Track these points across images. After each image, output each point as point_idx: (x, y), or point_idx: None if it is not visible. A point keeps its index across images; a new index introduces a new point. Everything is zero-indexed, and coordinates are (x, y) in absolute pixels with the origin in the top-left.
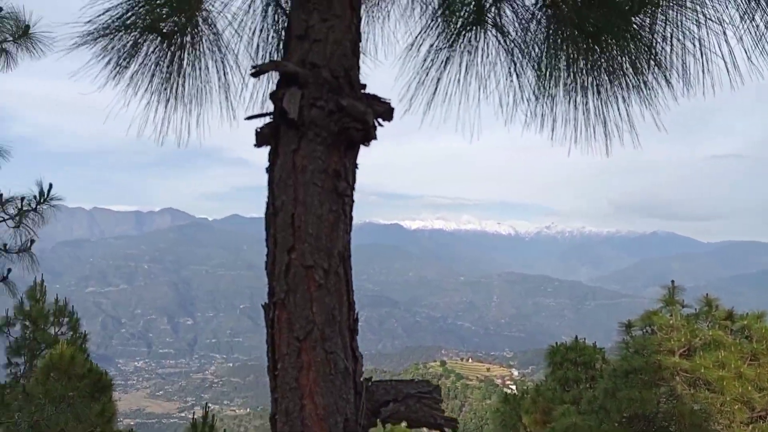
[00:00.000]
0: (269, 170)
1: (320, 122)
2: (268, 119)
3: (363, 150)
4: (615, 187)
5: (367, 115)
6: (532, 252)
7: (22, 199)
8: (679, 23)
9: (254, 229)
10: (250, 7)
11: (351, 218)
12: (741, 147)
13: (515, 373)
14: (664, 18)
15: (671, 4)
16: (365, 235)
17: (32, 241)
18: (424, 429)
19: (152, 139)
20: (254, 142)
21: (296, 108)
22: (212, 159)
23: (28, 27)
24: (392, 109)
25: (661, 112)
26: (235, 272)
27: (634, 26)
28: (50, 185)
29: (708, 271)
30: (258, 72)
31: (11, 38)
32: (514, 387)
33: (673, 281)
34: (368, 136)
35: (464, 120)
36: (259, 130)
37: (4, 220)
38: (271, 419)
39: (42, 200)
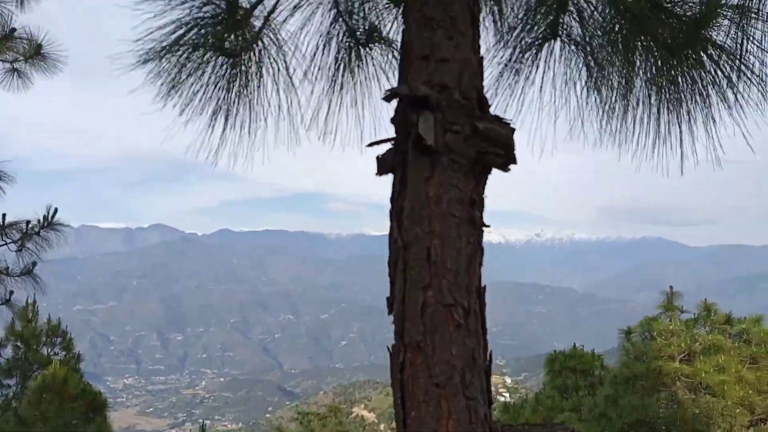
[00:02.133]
0: (394, 200)
1: (457, 148)
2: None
3: (350, 161)
4: (602, 193)
5: (509, 139)
6: (523, 260)
7: (27, 223)
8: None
9: (243, 243)
10: (322, 47)
11: (483, 251)
12: (732, 151)
13: (508, 380)
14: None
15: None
16: (357, 247)
17: (34, 264)
18: None
19: (207, 161)
20: (375, 171)
21: (433, 134)
22: (199, 174)
23: (40, 46)
24: (514, 130)
25: (749, 125)
26: (225, 286)
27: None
28: (56, 210)
29: (699, 275)
30: (391, 96)
31: (22, 58)
32: (507, 395)
33: (671, 287)
34: (509, 161)
35: (535, 135)
36: (381, 157)
37: (6, 243)
38: None
39: (46, 224)
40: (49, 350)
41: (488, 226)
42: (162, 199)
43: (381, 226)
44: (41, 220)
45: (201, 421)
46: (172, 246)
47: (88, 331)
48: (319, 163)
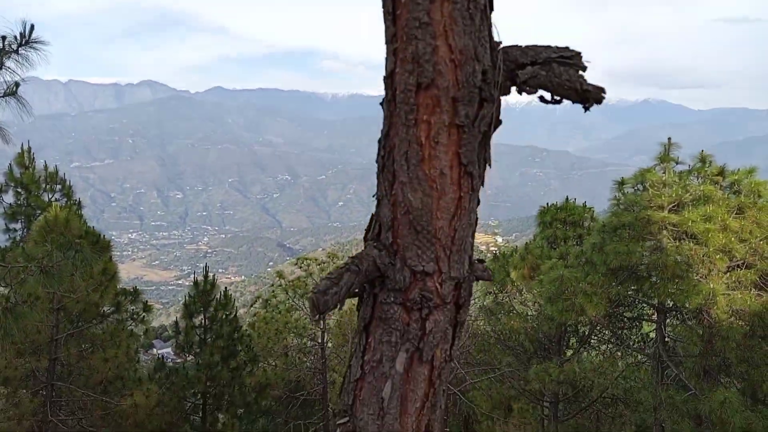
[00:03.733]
0: None
1: None
2: None
3: (347, 17)
4: (610, 55)
5: None
6: (522, 123)
7: (3, 38)
8: None
9: (238, 102)
10: None
11: None
12: (744, 9)
13: (499, 240)
14: None
15: None
16: (353, 108)
17: (17, 84)
18: None
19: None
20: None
21: None
22: (189, 27)
23: None
24: None
25: None
26: (222, 146)
27: None
28: (32, 26)
29: (697, 139)
30: None
31: None
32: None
33: (669, 138)
34: None
35: None
36: None
37: None
38: (386, 79)
39: (24, 42)
40: (50, 196)
41: None
42: (150, 54)
43: (378, 87)
44: (18, 37)
45: (206, 265)
46: (165, 104)
47: (88, 188)
48: (311, 16)
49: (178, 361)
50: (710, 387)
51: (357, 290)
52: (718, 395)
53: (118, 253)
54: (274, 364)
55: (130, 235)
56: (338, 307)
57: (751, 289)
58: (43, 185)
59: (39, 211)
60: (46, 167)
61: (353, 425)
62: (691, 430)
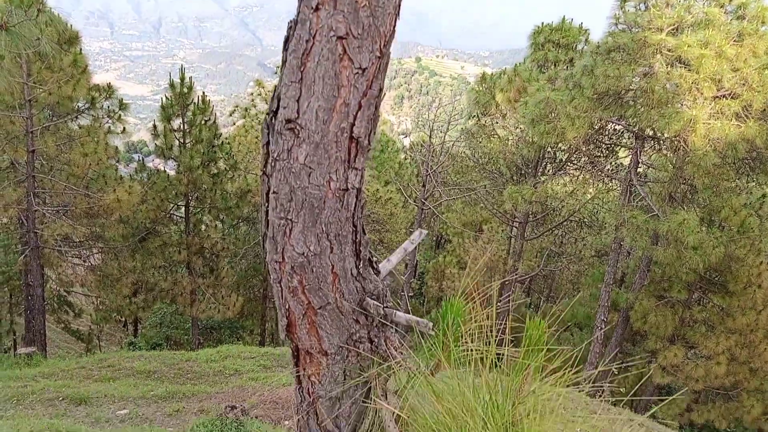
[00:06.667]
0: None
1: None
2: None
3: None
4: None
5: None
6: None
7: None
8: None
9: None
10: None
11: None
12: None
13: (488, 71)
14: None
15: None
16: None
17: None
18: None
19: None
20: None
21: None
22: None
23: None
24: None
25: None
26: None
27: None
28: None
29: None
30: None
31: None
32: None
33: None
34: None
35: None
36: None
37: None
38: None
39: None
40: None
41: None
42: None
43: None
44: None
45: (182, 66)
46: None
47: None
48: None
49: (160, 170)
50: (672, 211)
51: None
52: (678, 216)
53: (90, 63)
54: (254, 173)
55: (101, 44)
56: None
57: (731, 119)
58: None
59: None
60: None
61: None
62: (646, 246)
